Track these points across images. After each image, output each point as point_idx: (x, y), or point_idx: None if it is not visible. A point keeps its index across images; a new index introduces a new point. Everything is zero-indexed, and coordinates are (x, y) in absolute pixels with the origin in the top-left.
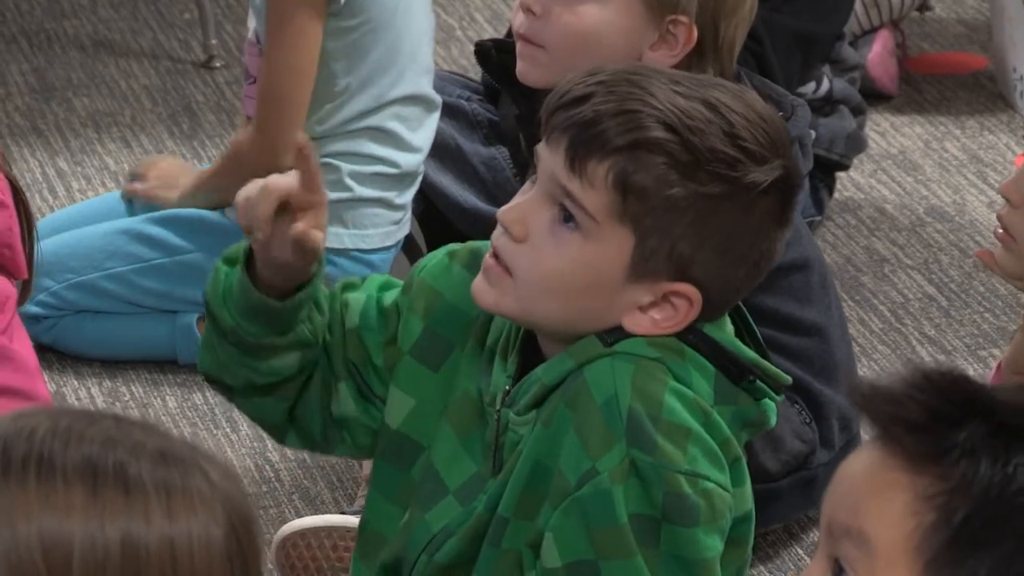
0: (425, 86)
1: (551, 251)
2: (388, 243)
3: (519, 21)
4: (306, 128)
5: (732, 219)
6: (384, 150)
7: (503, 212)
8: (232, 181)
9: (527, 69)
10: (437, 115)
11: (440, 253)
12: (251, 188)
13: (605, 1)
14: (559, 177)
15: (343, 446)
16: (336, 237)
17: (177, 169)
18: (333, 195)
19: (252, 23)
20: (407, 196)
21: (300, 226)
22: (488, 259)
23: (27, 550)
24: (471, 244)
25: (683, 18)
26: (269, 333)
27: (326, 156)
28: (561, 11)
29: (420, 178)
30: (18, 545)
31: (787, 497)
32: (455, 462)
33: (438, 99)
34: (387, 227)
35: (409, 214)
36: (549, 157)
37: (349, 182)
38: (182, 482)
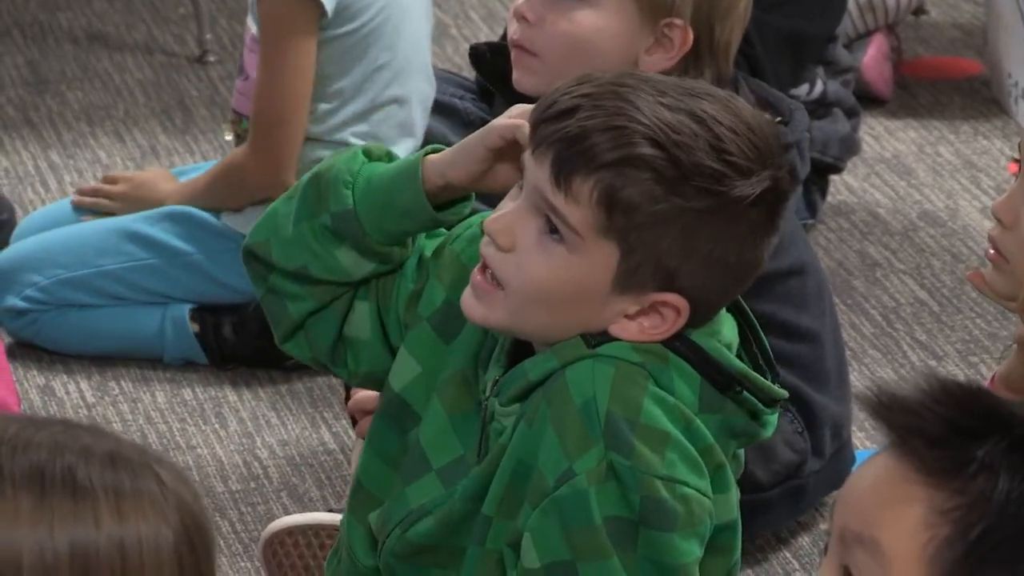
0: (424, 89)
1: (538, 261)
2: None
3: (513, 29)
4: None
5: (718, 231)
6: None
7: (490, 221)
8: (230, 197)
9: (522, 77)
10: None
11: (475, 221)
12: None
13: (599, 6)
14: (544, 191)
15: (343, 369)
16: None
17: (152, 181)
18: None
19: (252, 26)
20: None
21: None
22: (476, 273)
23: None
24: None
25: (678, 21)
26: (398, 242)
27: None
28: (555, 18)
29: None
30: None
31: (777, 507)
32: (442, 441)
33: (431, 99)
34: None
35: None
36: (535, 169)
37: None
38: (132, 484)
